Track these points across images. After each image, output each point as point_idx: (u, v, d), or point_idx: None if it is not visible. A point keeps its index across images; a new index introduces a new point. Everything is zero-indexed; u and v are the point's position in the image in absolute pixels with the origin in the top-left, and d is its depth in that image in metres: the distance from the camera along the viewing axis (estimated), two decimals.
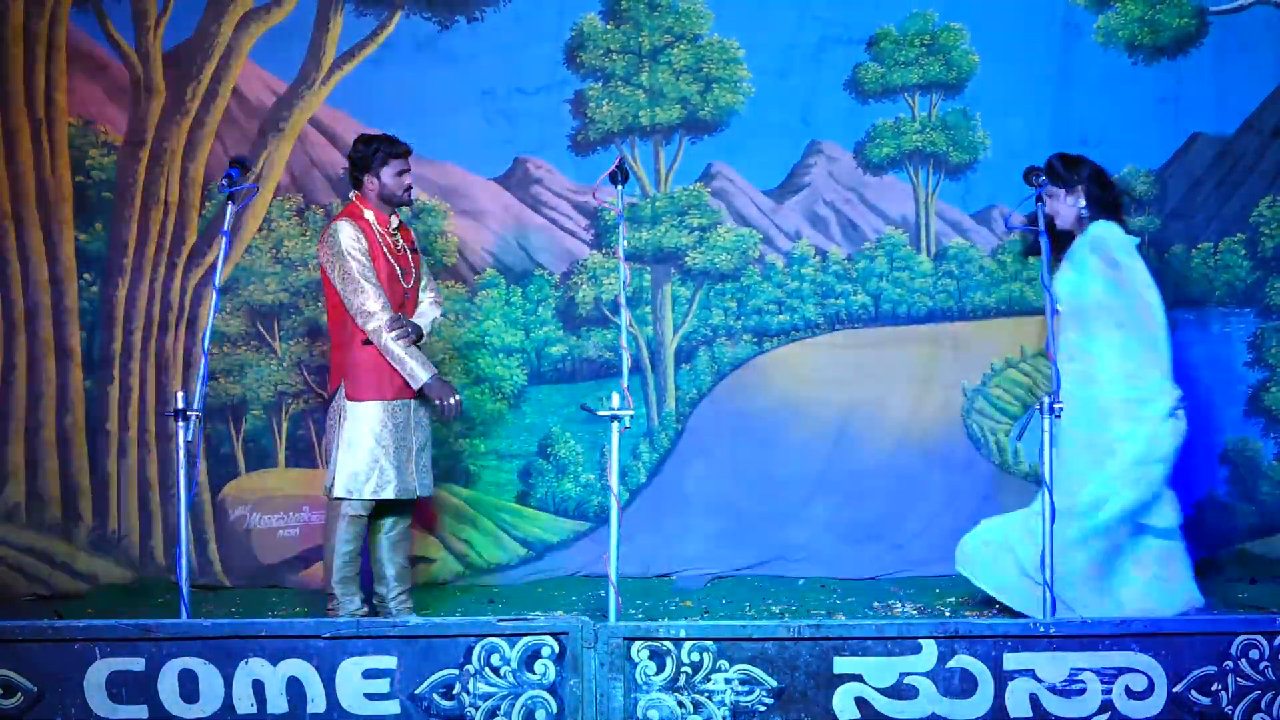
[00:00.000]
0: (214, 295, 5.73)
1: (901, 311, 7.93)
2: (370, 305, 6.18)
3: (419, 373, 6.22)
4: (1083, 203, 6.47)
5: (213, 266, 7.50)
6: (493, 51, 7.79)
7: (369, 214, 6.34)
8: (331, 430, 6.34)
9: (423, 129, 7.24)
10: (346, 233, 6.21)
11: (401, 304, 6.37)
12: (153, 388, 7.72)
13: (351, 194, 6.45)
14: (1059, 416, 5.55)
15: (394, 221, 6.43)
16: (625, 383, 5.39)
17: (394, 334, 6.19)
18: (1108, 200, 6.51)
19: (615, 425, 5.32)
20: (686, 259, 7.90)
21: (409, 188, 6.43)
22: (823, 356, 7.88)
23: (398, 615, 6.40)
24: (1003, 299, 7.90)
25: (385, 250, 6.31)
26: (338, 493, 6.24)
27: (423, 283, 6.57)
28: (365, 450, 6.24)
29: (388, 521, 6.47)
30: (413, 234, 6.65)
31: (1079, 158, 6.58)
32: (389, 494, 6.26)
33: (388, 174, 6.34)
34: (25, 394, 7.63)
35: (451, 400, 6.27)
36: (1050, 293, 5.75)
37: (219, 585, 7.67)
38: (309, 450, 7.82)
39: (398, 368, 6.22)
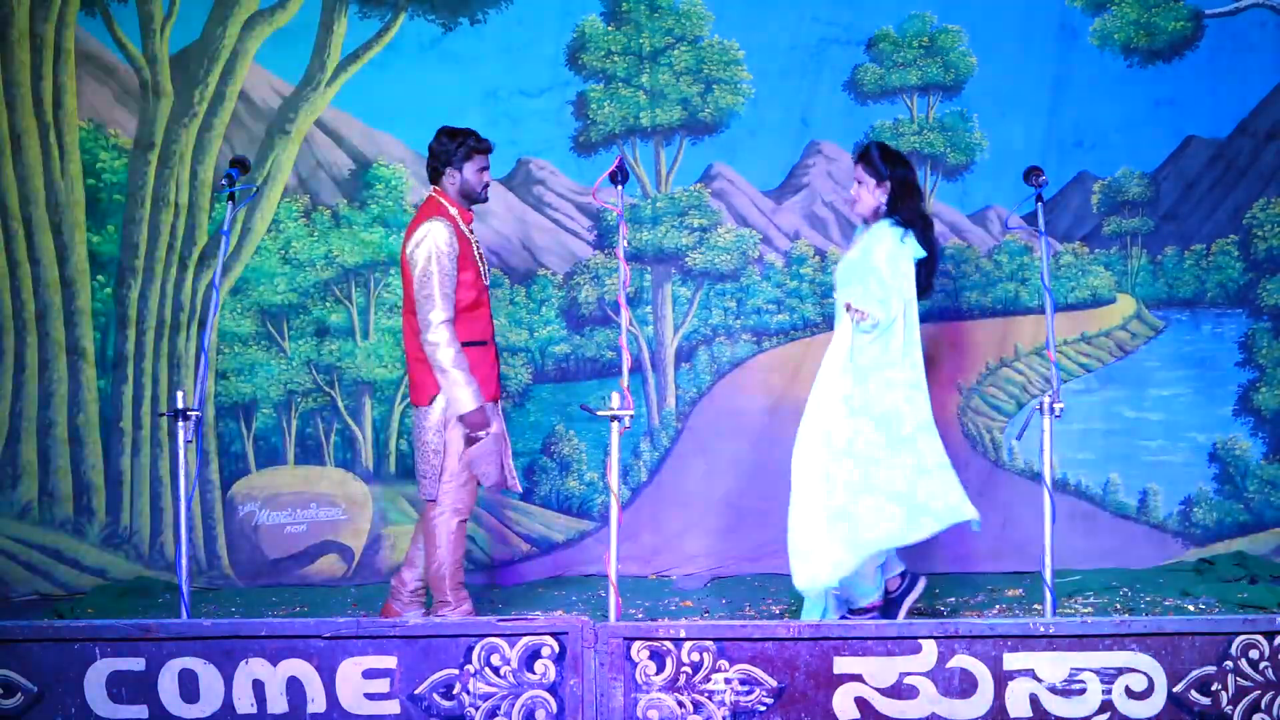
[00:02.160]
0: (214, 295, 5.61)
1: None
2: (434, 317, 5.90)
3: (467, 400, 5.91)
4: (885, 198, 6.04)
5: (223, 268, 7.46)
6: (495, 53, 7.72)
7: (453, 210, 6.07)
8: (423, 438, 6.03)
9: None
10: (442, 237, 5.91)
11: (488, 304, 6.18)
12: (165, 387, 7.67)
13: (430, 189, 6.18)
14: (1059, 416, 5.43)
15: (472, 218, 6.21)
16: (625, 382, 5.29)
17: (453, 352, 5.90)
18: (910, 207, 6.05)
19: (615, 425, 5.22)
20: (687, 259, 7.84)
21: (488, 185, 6.19)
22: (822, 356, 7.72)
23: (409, 605, 6.26)
24: (998, 299, 7.85)
25: (474, 248, 6.09)
26: (427, 495, 6.08)
27: None
28: (458, 451, 6.03)
29: None
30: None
31: (900, 156, 6.17)
32: (486, 482, 6.10)
33: (470, 169, 6.08)
34: (37, 393, 7.60)
35: (480, 435, 5.98)
36: (1050, 292, 5.60)
37: (226, 579, 7.64)
38: (317, 449, 7.76)
39: (446, 384, 5.92)
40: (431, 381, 5.98)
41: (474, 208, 6.25)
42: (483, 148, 6.10)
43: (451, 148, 6.06)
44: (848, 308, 5.92)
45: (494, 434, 6.03)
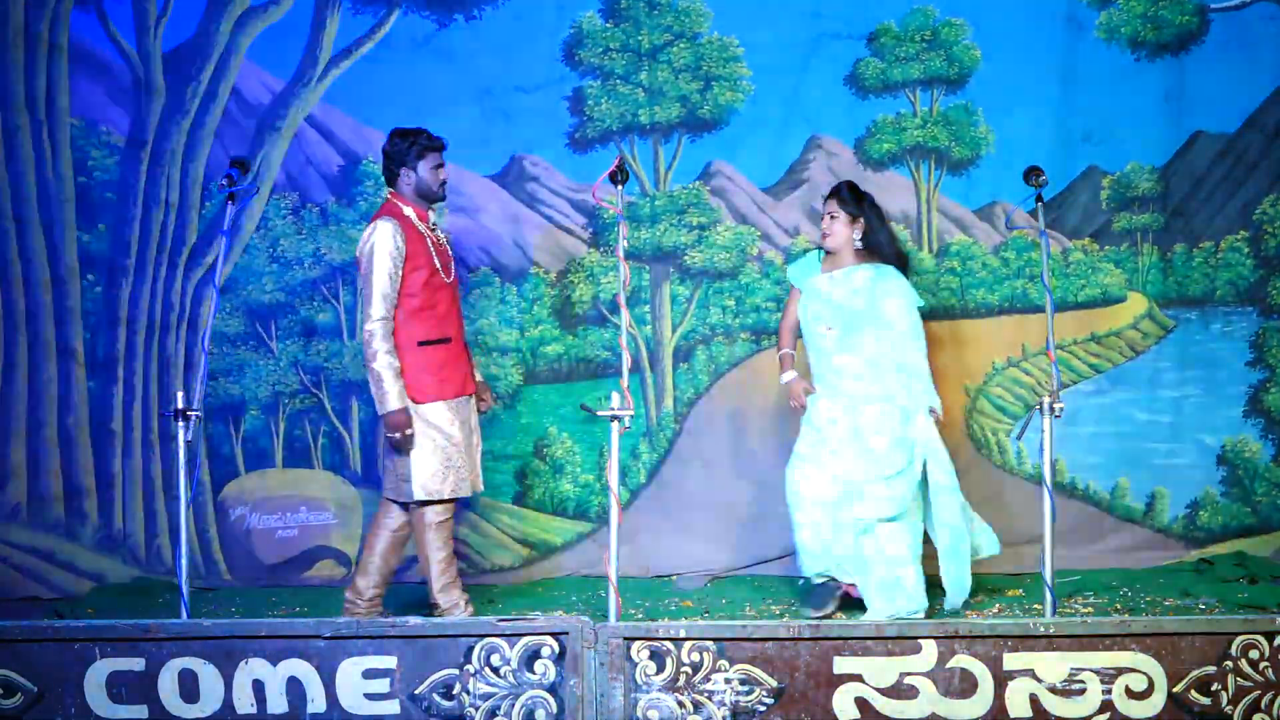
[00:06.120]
0: (214, 296, 5.78)
1: None
2: (373, 311, 6.14)
3: (391, 400, 6.13)
4: (859, 234, 6.78)
5: (213, 266, 7.59)
6: (491, 49, 7.83)
7: (409, 210, 6.29)
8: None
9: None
10: (385, 236, 6.15)
11: (451, 298, 6.36)
12: (156, 388, 7.79)
13: (386, 191, 6.40)
14: (1059, 416, 5.65)
15: (432, 216, 6.39)
16: (625, 383, 5.44)
17: (381, 351, 6.14)
18: (884, 247, 6.84)
19: (615, 425, 5.38)
20: (685, 258, 7.94)
21: (444, 182, 6.40)
22: None
23: (367, 616, 6.36)
24: (1005, 296, 7.97)
25: (430, 245, 6.27)
26: (417, 496, 6.21)
27: None
28: (438, 450, 6.21)
29: (398, 520, 6.44)
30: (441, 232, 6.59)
31: (869, 196, 6.89)
32: (465, 492, 6.26)
33: (424, 167, 6.31)
34: (26, 394, 7.72)
35: (401, 435, 6.17)
36: (1050, 292, 5.83)
37: (225, 583, 7.74)
38: (306, 451, 7.88)
39: (372, 383, 6.19)
40: (407, 379, 6.24)
41: (441, 207, 6.42)
42: (435, 145, 6.34)
43: (404, 147, 6.30)
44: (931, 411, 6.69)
45: (440, 436, 6.24)
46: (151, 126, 7.79)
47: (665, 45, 7.90)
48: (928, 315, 7.90)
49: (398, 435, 6.16)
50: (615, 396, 5.38)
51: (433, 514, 6.27)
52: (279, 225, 7.89)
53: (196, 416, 5.58)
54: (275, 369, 7.91)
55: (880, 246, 6.83)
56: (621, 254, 5.55)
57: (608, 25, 7.89)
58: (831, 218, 6.81)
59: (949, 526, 6.67)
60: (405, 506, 6.41)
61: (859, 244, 6.80)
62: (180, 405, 5.54)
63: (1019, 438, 7.77)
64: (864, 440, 6.67)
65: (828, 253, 6.89)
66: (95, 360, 7.77)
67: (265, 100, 7.86)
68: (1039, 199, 5.93)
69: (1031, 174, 5.99)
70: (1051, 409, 5.65)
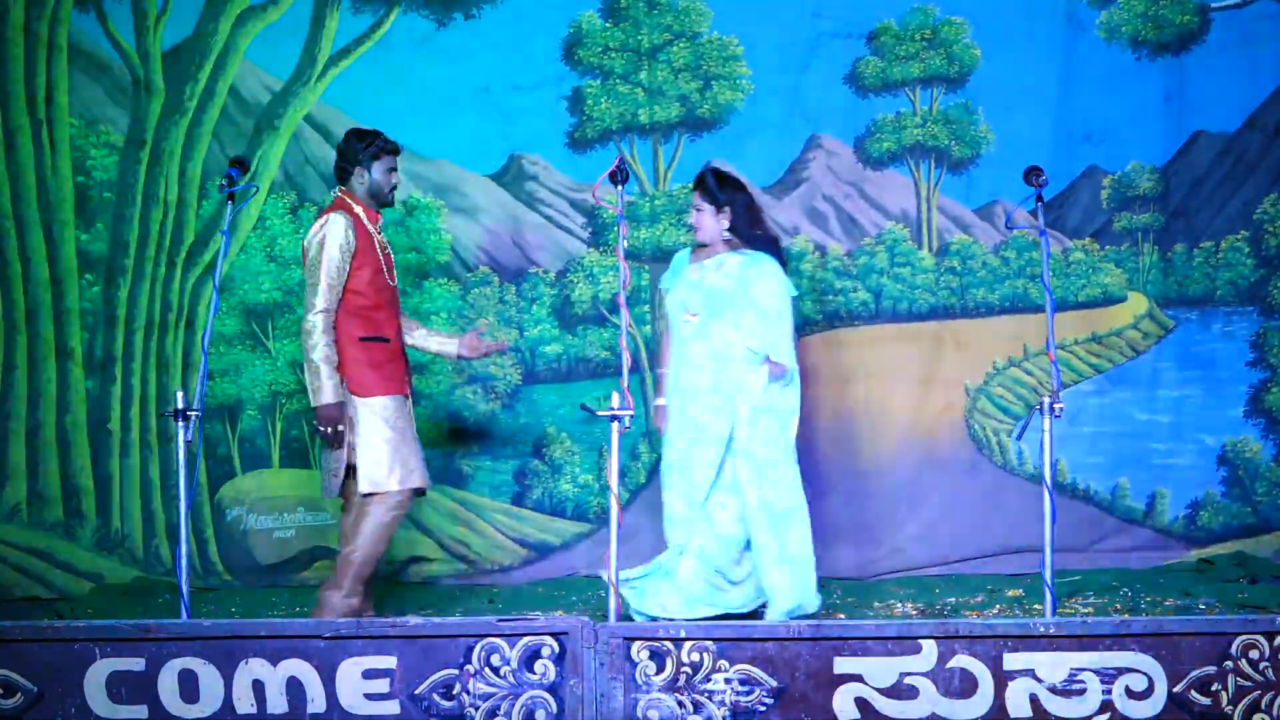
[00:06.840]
0: (214, 295, 5.81)
1: (902, 308, 8.01)
2: (317, 302, 6.13)
3: (326, 393, 6.10)
4: (727, 224, 6.49)
5: (210, 266, 7.64)
6: (490, 48, 7.87)
7: (358, 209, 6.30)
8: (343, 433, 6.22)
9: (418, 125, 7.31)
10: (337, 229, 6.15)
11: (391, 301, 6.38)
12: (154, 388, 7.83)
13: (336, 189, 6.40)
14: (1059, 416, 5.69)
15: (380, 219, 6.42)
16: (625, 383, 5.48)
17: (321, 344, 6.14)
18: (756, 233, 6.55)
19: (615, 425, 5.41)
20: None
21: (395, 187, 6.42)
22: (822, 355, 7.92)
23: None
24: (1006, 296, 8.00)
25: (376, 245, 6.30)
26: (362, 489, 6.18)
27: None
28: (384, 442, 6.19)
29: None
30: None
31: (735, 181, 6.60)
32: (414, 483, 6.22)
33: (378, 169, 6.33)
34: (26, 394, 7.77)
35: (333, 429, 6.14)
36: (1050, 292, 5.87)
37: (225, 583, 7.77)
38: (303, 451, 7.91)
39: (309, 374, 6.16)
40: (350, 373, 6.24)
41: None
42: (391, 149, 6.36)
43: (360, 148, 6.31)
44: (768, 359, 6.37)
45: (385, 428, 6.22)
46: (150, 126, 7.83)
47: (665, 44, 7.95)
48: (927, 314, 8.00)
49: (329, 430, 6.14)
50: (615, 396, 5.41)
51: (382, 510, 6.21)
52: (276, 224, 7.92)
53: (196, 416, 5.60)
54: (272, 369, 7.93)
55: (750, 234, 6.52)
56: (621, 254, 5.59)
57: (607, 25, 7.94)
58: (698, 210, 6.52)
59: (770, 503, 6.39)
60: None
61: (727, 234, 6.49)
62: (179, 405, 5.56)
63: (1019, 438, 7.81)
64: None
65: (699, 246, 6.62)
66: (94, 360, 7.81)
67: (264, 99, 7.91)
68: (1039, 199, 5.97)
69: (1031, 174, 6.01)
70: (1051, 409, 5.67)
